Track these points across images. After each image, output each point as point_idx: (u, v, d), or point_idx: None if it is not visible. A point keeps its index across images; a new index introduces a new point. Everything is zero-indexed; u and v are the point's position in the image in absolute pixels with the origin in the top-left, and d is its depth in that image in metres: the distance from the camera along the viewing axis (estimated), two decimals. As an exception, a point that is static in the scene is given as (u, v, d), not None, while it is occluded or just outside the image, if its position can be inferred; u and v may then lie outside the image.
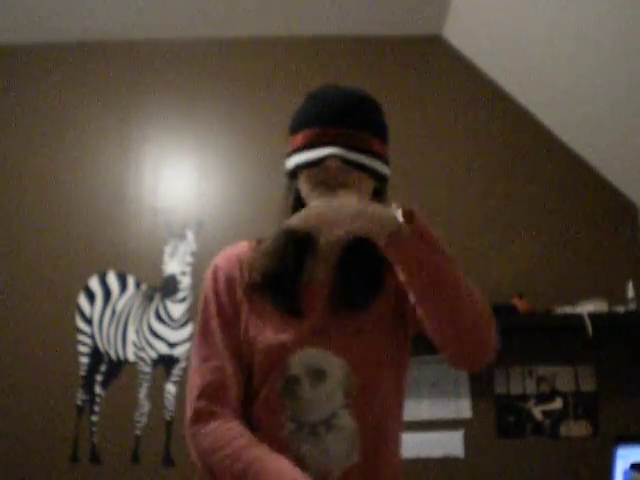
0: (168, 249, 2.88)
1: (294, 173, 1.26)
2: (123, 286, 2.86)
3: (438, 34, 3.05)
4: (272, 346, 1.21)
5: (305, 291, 1.26)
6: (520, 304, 2.66)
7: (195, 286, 2.84)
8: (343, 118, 1.21)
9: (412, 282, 1.12)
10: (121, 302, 2.85)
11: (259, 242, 1.32)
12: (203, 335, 1.26)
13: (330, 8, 2.88)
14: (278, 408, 1.20)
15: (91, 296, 2.85)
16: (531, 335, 2.76)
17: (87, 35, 3.06)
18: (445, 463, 2.69)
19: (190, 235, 2.90)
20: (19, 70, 3.10)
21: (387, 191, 1.30)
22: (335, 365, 1.21)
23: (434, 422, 2.72)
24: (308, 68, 3.05)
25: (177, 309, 2.82)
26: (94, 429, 2.74)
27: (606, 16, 2.24)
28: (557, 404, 2.73)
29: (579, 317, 2.58)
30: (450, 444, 2.70)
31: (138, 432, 2.73)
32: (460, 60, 3.04)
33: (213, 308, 1.27)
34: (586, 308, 2.62)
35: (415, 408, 2.70)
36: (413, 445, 2.64)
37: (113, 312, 2.84)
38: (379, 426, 1.23)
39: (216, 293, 1.28)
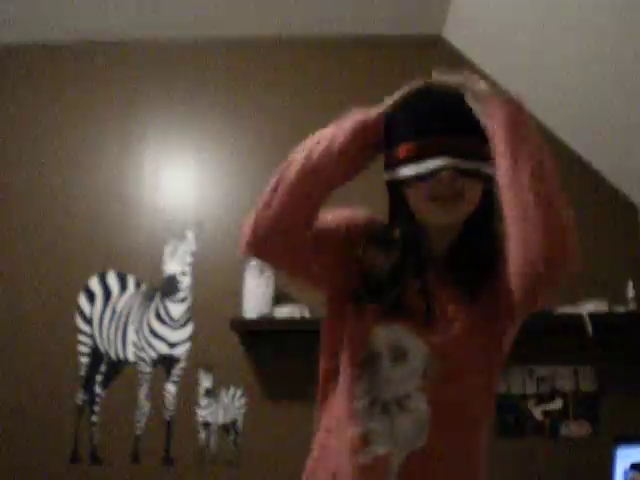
0: (168, 249, 2.88)
1: (400, 183, 1.24)
2: (123, 286, 2.86)
3: (438, 34, 3.05)
4: (362, 311, 1.24)
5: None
6: (520, 304, 2.65)
7: (195, 286, 2.84)
8: (447, 125, 1.19)
9: (514, 153, 1.12)
10: (121, 302, 2.85)
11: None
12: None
13: (330, 8, 2.88)
14: (355, 378, 1.23)
15: (91, 296, 2.85)
16: (531, 335, 2.75)
17: (87, 35, 3.06)
18: (445, 463, 2.69)
19: (190, 235, 2.90)
20: (19, 70, 3.10)
21: (496, 192, 1.27)
22: (418, 348, 1.21)
23: (434, 422, 2.72)
24: (308, 68, 3.05)
25: (177, 309, 2.82)
26: (94, 429, 2.74)
27: (608, 17, 2.24)
28: (557, 404, 2.73)
29: (579, 317, 2.57)
30: (450, 444, 2.70)
31: (138, 432, 2.73)
32: (460, 60, 3.04)
33: (343, 213, 1.31)
34: (586, 308, 2.61)
35: (415, 408, 2.70)
36: (413, 445, 2.63)
37: (113, 312, 2.84)
38: (454, 416, 1.21)
39: (352, 217, 1.31)
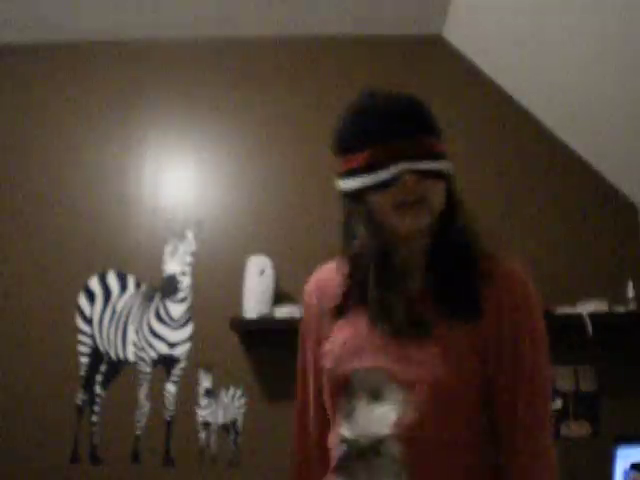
0: (168, 249, 2.88)
1: (358, 194, 1.17)
2: (123, 286, 2.86)
3: (438, 34, 3.05)
4: (339, 364, 1.21)
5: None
6: (520, 304, 2.65)
7: (195, 286, 2.84)
8: (399, 129, 1.14)
9: None
10: (121, 302, 2.85)
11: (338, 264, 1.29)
12: (297, 372, 1.37)
13: (330, 8, 2.88)
14: (338, 427, 1.21)
15: (91, 296, 2.85)
16: (531, 335, 2.75)
17: (87, 35, 3.06)
18: (445, 463, 2.69)
19: (190, 235, 2.90)
20: (19, 70, 3.10)
21: (456, 189, 1.25)
22: (393, 390, 1.15)
23: (434, 422, 2.71)
24: (308, 68, 3.05)
25: (177, 309, 2.82)
26: (94, 429, 2.74)
27: (608, 17, 2.24)
28: (557, 404, 2.73)
29: (579, 317, 2.57)
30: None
31: (138, 432, 2.73)
32: (460, 60, 3.04)
33: (302, 353, 1.35)
34: (586, 308, 2.61)
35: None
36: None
37: (113, 312, 2.84)
38: (432, 463, 1.13)
39: (306, 328, 1.34)
